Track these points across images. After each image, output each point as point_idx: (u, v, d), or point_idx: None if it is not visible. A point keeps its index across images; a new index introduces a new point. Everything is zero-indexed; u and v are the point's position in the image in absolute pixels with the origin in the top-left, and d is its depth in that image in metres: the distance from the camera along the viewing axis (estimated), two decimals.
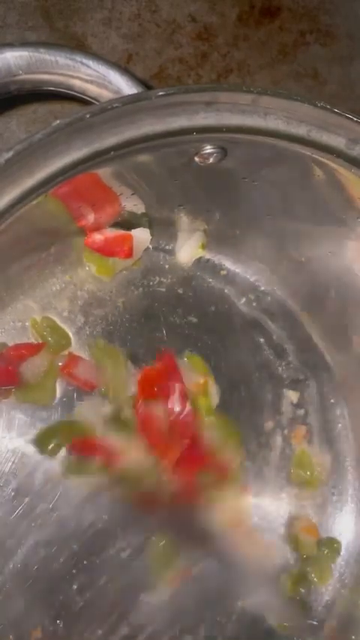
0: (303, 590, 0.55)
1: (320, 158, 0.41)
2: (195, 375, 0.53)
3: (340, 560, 0.56)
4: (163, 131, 0.38)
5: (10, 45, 0.49)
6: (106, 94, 0.51)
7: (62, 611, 0.49)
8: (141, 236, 0.52)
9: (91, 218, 0.49)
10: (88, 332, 0.51)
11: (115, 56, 0.57)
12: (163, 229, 0.53)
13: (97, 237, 0.51)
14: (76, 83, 0.50)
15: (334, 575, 0.56)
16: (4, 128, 0.55)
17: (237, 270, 0.56)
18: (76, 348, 0.51)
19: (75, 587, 0.50)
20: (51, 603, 0.49)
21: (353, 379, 0.57)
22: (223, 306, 0.56)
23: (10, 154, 0.35)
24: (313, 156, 0.41)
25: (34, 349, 0.49)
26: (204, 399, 0.53)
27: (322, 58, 0.61)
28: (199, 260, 0.55)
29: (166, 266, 0.54)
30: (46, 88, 0.51)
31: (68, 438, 0.50)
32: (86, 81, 0.50)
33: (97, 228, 0.50)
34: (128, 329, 0.52)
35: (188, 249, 0.54)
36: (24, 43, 0.50)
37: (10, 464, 0.49)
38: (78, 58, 0.50)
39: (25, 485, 0.49)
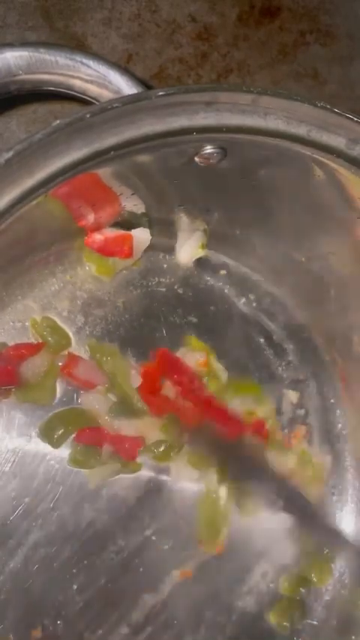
0: (303, 590, 0.55)
1: (320, 158, 0.41)
2: (197, 355, 0.53)
3: (340, 561, 0.56)
4: (163, 131, 0.38)
5: (10, 45, 0.49)
6: (106, 94, 0.51)
7: (62, 611, 0.49)
8: (141, 236, 0.52)
9: (91, 218, 0.49)
10: (88, 332, 0.51)
11: (115, 56, 0.57)
12: (163, 229, 0.53)
13: (97, 237, 0.51)
14: (76, 83, 0.50)
15: (334, 575, 0.56)
16: (4, 128, 0.55)
17: (237, 270, 0.56)
18: (76, 348, 0.51)
19: (75, 587, 0.50)
20: (51, 603, 0.49)
21: (353, 379, 0.57)
22: (223, 306, 0.56)
23: (10, 154, 0.35)
24: (313, 156, 0.41)
25: (34, 349, 0.49)
26: (212, 375, 0.54)
27: (322, 58, 0.61)
28: (199, 260, 0.55)
29: (166, 266, 0.54)
30: (46, 88, 0.51)
31: (74, 427, 0.50)
32: (86, 81, 0.50)
33: (97, 228, 0.50)
34: (128, 329, 0.52)
35: (188, 249, 0.54)
36: (24, 43, 0.50)
37: (10, 464, 0.49)
38: (78, 58, 0.50)
39: (25, 486, 0.49)
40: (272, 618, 0.54)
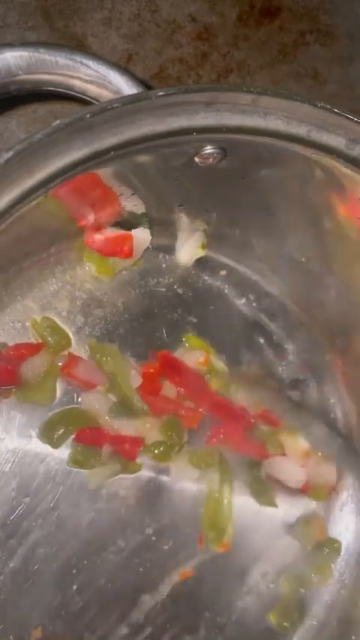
0: (303, 590, 0.55)
1: (320, 158, 0.41)
2: (197, 354, 0.53)
3: (340, 561, 0.56)
4: (163, 131, 0.38)
5: (10, 45, 0.49)
6: (106, 94, 0.51)
7: (62, 611, 0.49)
8: (141, 236, 0.52)
9: (91, 218, 0.49)
10: (87, 332, 0.51)
11: (115, 56, 0.57)
12: (163, 229, 0.53)
13: (97, 237, 0.51)
14: (76, 83, 0.50)
15: (334, 576, 0.56)
16: (4, 128, 0.55)
17: (237, 270, 0.56)
18: (76, 348, 0.51)
19: (75, 587, 0.50)
20: (51, 603, 0.49)
21: (353, 379, 0.57)
22: (223, 306, 0.56)
23: (10, 154, 0.35)
24: (313, 156, 0.41)
25: (34, 349, 0.49)
26: (213, 372, 0.54)
27: (322, 58, 0.61)
28: (199, 260, 0.55)
29: (166, 266, 0.54)
30: (46, 88, 0.51)
31: (74, 427, 0.50)
32: (86, 81, 0.50)
33: (97, 228, 0.50)
34: (128, 329, 0.52)
35: (188, 249, 0.54)
36: (24, 43, 0.50)
37: (10, 464, 0.49)
38: (78, 58, 0.50)
39: (25, 485, 0.49)
40: (272, 618, 0.54)
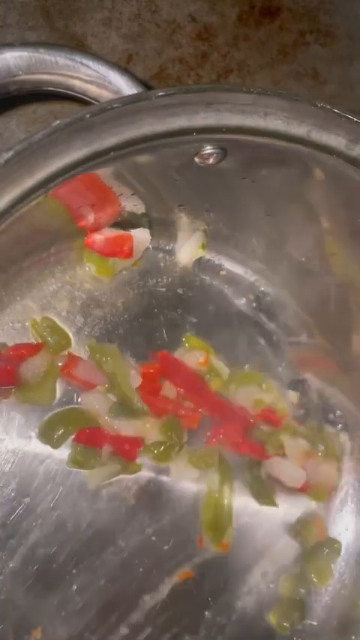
0: (303, 590, 0.55)
1: (320, 158, 0.41)
2: (197, 354, 0.53)
3: (340, 561, 0.56)
4: (163, 131, 0.38)
5: (10, 45, 0.49)
6: (106, 95, 0.51)
7: (62, 611, 0.49)
8: (141, 236, 0.52)
9: (91, 218, 0.49)
10: (87, 332, 0.51)
11: (115, 56, 0.57)
12: (163, 229, 0.53)
13: (97, 237, 0.51)
14: (76, 83, 0.50)
15: (334, 576, 0.56)
16: (4, 128, 0.55)
17: (237, 270, 0.56)
18: (75, 348, 0.51)
19: (75, 587, 0.50)
20: (51, 603, 0.49)
21: (353, 379, 0.57)
22: (223, 306, 0.56)
23: (10, 154, 0.35)
24: (313, 156, 0.41)
25: (33, 349, 0.49)
26: (213, 372, 0.54)
27: (322, 58, 0.61)
28: (199, 260, 0.55)
29: (166, 266, 0.54)
30: (46, 88, 0.51)
31: (74, 427, 0.50)
32: (86, 81, 0.50)
33: (97, 228, 0.50)
34: (128, 329, 0.52)
35: (188, 249, 0.54)
36: (24, 43, 0.50)
37: (10, 464, 0.49)
38: (78, 58, 0.50)
39: (25, 486, 0.49)
40: (272, 618, 0.54)
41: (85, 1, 0.56)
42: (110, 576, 0.51)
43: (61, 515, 0.49)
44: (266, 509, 0.55)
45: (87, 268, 0.51)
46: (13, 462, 0.49)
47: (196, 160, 0.42)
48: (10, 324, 0.49)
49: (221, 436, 0.53)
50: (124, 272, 0.53)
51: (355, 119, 0.40)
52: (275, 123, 0.39)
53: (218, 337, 0.55)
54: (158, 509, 0.52)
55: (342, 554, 0.56)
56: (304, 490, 0.56)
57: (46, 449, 0.49)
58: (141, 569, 0.52)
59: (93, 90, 0.51)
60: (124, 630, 0.51)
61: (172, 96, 0.37)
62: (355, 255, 0.50)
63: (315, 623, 0.55)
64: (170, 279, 0.54)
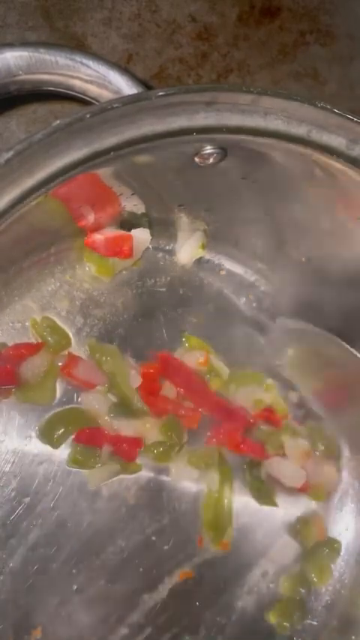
0: (303, 590, 0.55)
1: (320, 158, 0.41)
2: (197, 354, 0.53)
3: (340, 561, 0.56)
4: (163, 131, 0.38)
5: (10, 45, 0.49)
6: (106, 94, 0.51)
7: (62, 611, 0.49)
8: (141, 236, 0.52)
9: (91, 218, 0.49)
10: (87, 332, 0.51)
11: (115, 56, 0.57)
12: (163, 229, 0.53)
13: (97, 237, 0.51)
14: (76, 83, 0.50)
15: (334, 576, 0.56)
16: (4, 128, 0.55)
17: (237, 270, 0.56)
18: (75, 348, 0.51)
19: (75, 587, 0.50)
20: (51, 603, 0.49)
21: (353, 379, 0.57)
22: (223, 306, 0.56)
23: (10, 154, 0.35)
24: (313, 156, 0.41)
25: (33, 349, 0.49)
26: (213, 372, 0.54)
27: (322, 58, 0.61)
28: (199, 260, 0.55)
29: (166, 266, 0.54)
30: (46, 88, 0.51)
31: (74, 427, 0.50)
32: (86, 81, 0.50)
33: (97, 228, 0.50)
34: (128, 329, 0.52)
35: (188, 249, 0.54)
36: (24, 43, 0.50)
37: (10, 464, 0.49)
38: (78, 58, 0.50)
39: (25, 485, 0.49)
40: (272, 618, 0.54)
41: (85, 1, 0.56)
42: (110, 576, 0.51)
43: (61, 515, 0.49)
44: (266, 509, 0.55)
45: (87, 268, 0.51)
46: (13, 461, 0.49)
47: (196, 159, 0.42)
48: (10, 324, 0.49)
49: (221, 436, 0.53)
50: (124, 272, 0.53)
51: (355, 119, 0.40)
52: (275, 123, 0.39)
53: (218, 337, 0.55)
54: (158, 509, 0.52)
55: (342, 554, 0.56)
56: (304, 490, 0.56)
57: (46, 449, 0.49)
58: (141, 569, 0.52)
59: (93, 90, 0.51)
60: (124, 630, 0.51)
61: (172, 96, 0.37)
62: (355, 255, 0.50)
63: (315, 623, 0.55)
64: (170, 279, 0.54)
